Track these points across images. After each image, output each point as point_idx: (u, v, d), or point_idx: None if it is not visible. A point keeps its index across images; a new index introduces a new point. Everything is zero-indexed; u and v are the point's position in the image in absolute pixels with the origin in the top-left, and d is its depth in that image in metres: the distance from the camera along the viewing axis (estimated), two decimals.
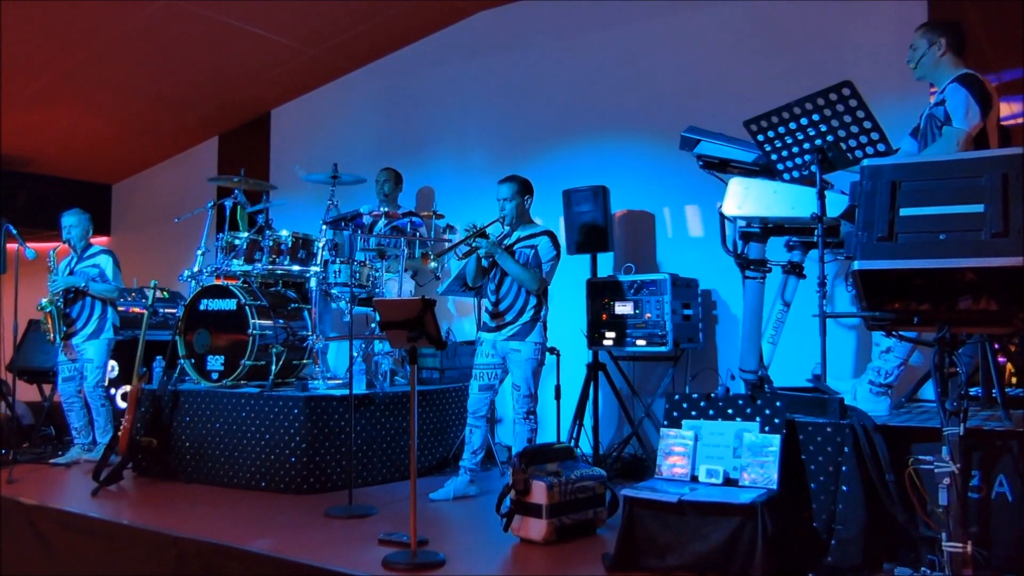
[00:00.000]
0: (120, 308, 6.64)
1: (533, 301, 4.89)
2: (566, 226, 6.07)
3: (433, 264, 5.19)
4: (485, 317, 5.01)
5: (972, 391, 3.75)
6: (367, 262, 6.13)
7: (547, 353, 5.01)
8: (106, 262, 6.19)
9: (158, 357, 6.06)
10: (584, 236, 5.93)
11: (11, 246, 6.52)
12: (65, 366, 6.15)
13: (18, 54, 6.85)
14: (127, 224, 10.10)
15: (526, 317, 4.87)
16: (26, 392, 7.48)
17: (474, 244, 4.84)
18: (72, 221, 6.25)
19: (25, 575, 4.71)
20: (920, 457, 2.97)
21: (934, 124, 3.84)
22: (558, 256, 4.94)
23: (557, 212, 6.35)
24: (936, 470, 2.69)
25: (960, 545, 2.64)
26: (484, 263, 4.96)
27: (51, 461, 6.19)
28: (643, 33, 6.36)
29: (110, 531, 4.39)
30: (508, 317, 4.89)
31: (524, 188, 5.03)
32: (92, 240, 6.44)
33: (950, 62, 3.87)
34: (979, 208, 2.55)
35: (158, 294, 6.14)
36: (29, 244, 6.38)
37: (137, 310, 7.15)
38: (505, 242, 4.98)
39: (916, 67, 3.96)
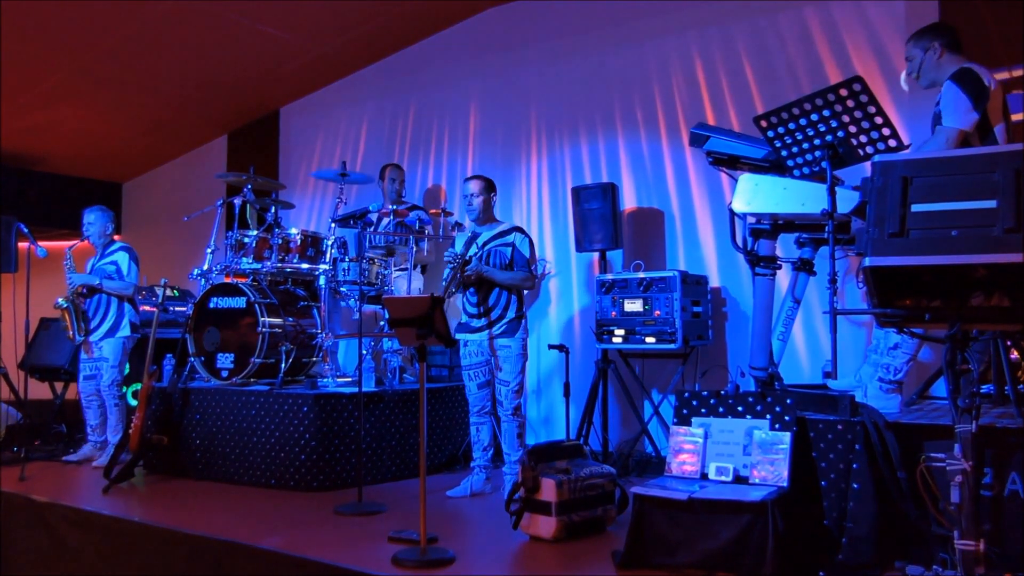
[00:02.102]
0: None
1: (515, 299, 4.94)
2: (575, 223, 6.06)
3: (449, 298, 5.23)
4: (466, 319, 5.02)
5: (984, 388, 3.73)
6: (376, 260, 6.13)
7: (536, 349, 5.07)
8: (123, 259, 6.17)
9: (168, 355, 6.08)
10: (593, 233, 5.92)
11: (22, 245, 6.57)
12: (86, 364, 6.16)
13: (28, 53, 6.88)
14: (137, 222, 10.13)
15: (511, 315, 4.92)
16: (38, 389, 7.51)
17: (465, 273, 4.89)
18: (91, 218, 6.25)
19: (37, 572, 4.73)
20: (932, 455, 2.96)
21: (935, 123, 3.84)
22: (534, 246, 5.07)
23: (566, 209, 6.35)
24: (948, 468, 2.67)
25: (972, 543, 2.63)
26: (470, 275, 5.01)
27: (63, 459, 6.22)
28: (653, 29, 6.34)
29: (121, 528, 4.40)
30: (494, 316, 4.91)
31: (490, 186, 5.13)
32: (115, 238, 6.41)
33: (950, 61, 3.85)
34: (991, 204, 2.53)
35: (168, 292, 6.15)
36: (40, 243, 6.42)
37: (148, 308, 7.17)
38: (479, 242, 5.02)
39: (919, 76, 3.96)
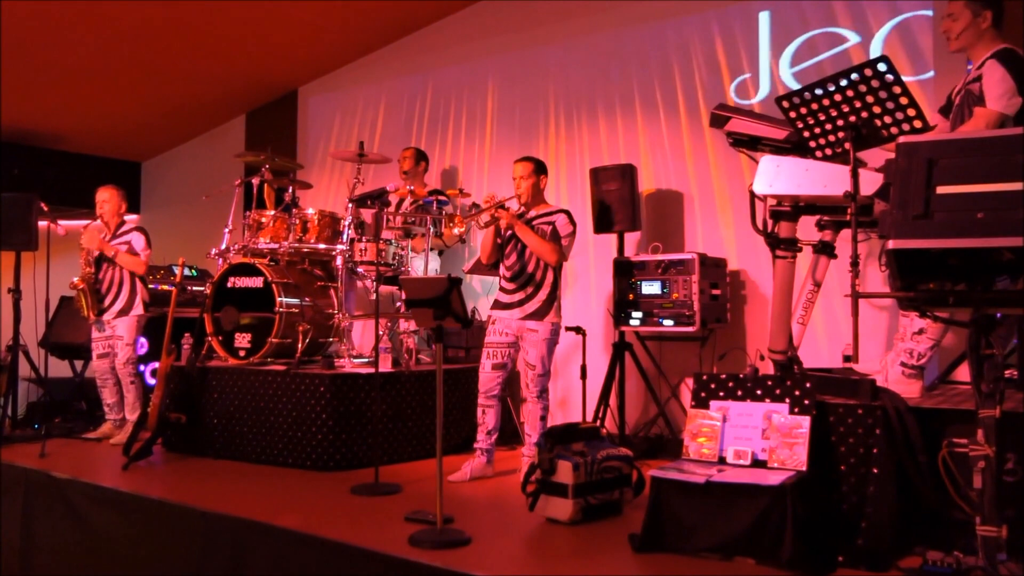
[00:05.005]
0: (149, 285, 6.68)
1: (550, 280, 4.86)
2: (593, 204, 6.02)
3: (458, 229, 5.18)
4: (500, 295, 4.98)
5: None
6: (393, 240, 6.13)
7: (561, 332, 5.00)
8: (136, 238, 6.20)
9: (186, 334, 6.10)
10: (611, 215, 5.88)
11: (42, 223, 6.59)
12: (99, 343, 6.20)
13: (48, 32, 6.88)
14: (156, 202, 10.17)
15: (544, 296, 4.84)
16: (58, 367, 7.57)
17: (494, 215, 4.83)
18: (104, 196, 6.27)
19: (56, 548, 4.78)
20: (954, 440, 2.93)
21: (970, 101, 3.75)
22: (575, 232, 4.93)
23: (584, 190, 6.31)
24: (971, 453, 2.65)
25: (994, 529, 2.60)
26: (499, 239, 4.94)
27: (82, 436, 6.27)
28: (673, 7, 6.28)
29: (140, 506, 4.44)
30: (525, 296, 4.86)
31: (539, 168, 5.02)
32: (127, 218, 6.43)
33: (991, 36, 3.77)
34: (1017, 186, 2.49)
35: (186, 271, 6.15)
36: (60, 221, 6.44)
37: (166, 287, 7.19)
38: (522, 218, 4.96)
39: (957, 38, 3.84)
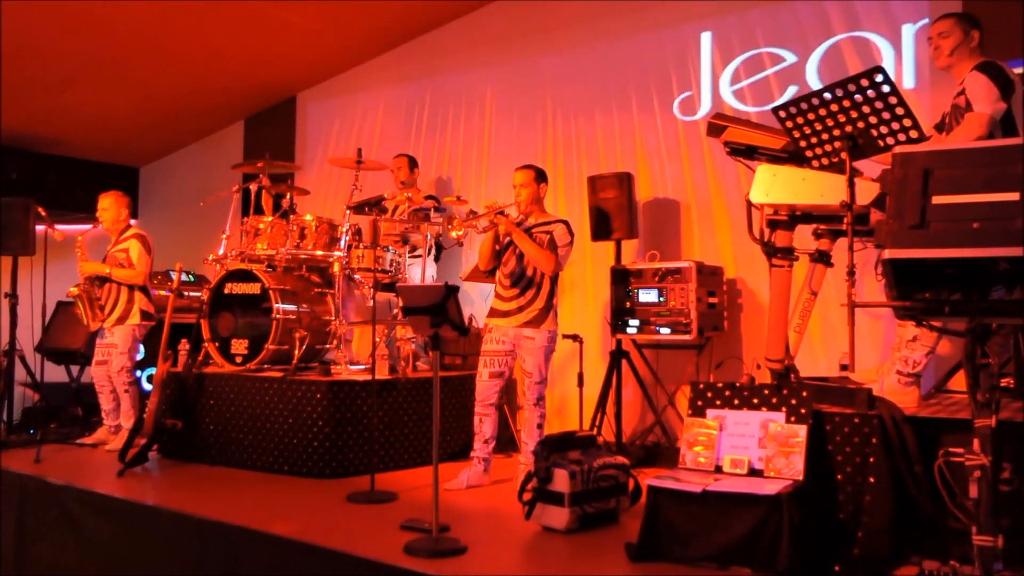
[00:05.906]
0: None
1: (547, 288, 4.85)
2: (591, 212, 6.03)
3: (456, 233, 5.17)
4: (497, 303, 4.97)
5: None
6: (390, 247, 6.13)
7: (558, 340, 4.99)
8: (134, 247, 6.12)
9: (183, 340, 6.09)
10: (609, 223, 5.89)
11: (39, 228, 6.59)
12: (100, 350, 6.16)
13: (46, 37, 6.89)
14: (154, 207, 10.16)
15: (540, 304, 4.83)
16: (54, 372, 7.56)
17: (493, 221, 4.83)
18: (104, 204, 6.21)
19: (51, 554, 4.77)
20: (950, 449, 2.93)
21: (957, 114, 3.83)
22: (572, 243, 4.92)
23: (581, 199, 6.32)
24: (967, 463, 2.64)
25: (990, 538, 2.60)
26: (497, 246, 4.94)
27: (77, 441, 6.25)
28: (671, 17, 6.30)
29: (135, 512, 4.43)
30: (522, 304, 4.85)
31: (539, 176, 5.00)
32: (131, 222, 6.40)
33: (976, 54, 3.89)
34: (1014, 196, 2.49)
35: (184, 277, 6.13)
36: (57, 226, 6.43)
37: (163, 293, 7.19)
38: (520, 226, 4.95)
39: (950, 55, 3.93)
